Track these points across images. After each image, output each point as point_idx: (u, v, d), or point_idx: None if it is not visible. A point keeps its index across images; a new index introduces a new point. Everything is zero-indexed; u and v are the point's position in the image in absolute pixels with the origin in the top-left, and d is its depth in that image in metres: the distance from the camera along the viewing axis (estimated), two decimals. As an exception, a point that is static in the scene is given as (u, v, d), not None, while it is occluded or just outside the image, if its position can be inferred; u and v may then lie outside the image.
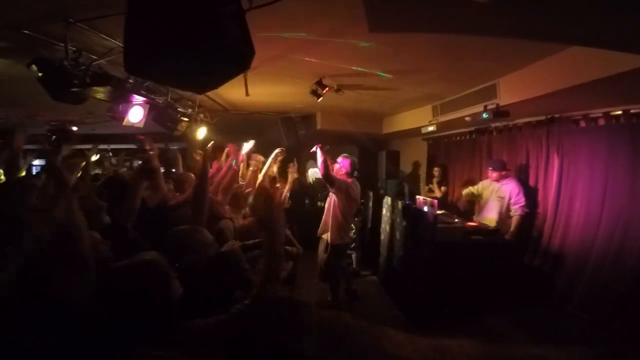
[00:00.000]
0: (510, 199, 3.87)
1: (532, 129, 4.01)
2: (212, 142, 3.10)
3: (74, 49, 2.33)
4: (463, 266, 3.36)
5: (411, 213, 3.72)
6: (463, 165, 5.15)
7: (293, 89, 4.14)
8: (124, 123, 2.80)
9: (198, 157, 3.00)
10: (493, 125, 4.36)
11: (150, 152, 2.02)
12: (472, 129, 4.83)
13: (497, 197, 3.99)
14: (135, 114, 2.88)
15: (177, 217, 2.20)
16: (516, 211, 3.82)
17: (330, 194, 3.72)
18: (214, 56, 1.24)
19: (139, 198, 1.99)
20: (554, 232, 3.79)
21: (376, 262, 4.67)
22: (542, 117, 3.81)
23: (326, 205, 3.85)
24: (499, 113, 3.22)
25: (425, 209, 3.47)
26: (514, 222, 3.84)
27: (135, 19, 1.23)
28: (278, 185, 4.43)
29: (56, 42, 2.29)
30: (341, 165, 3.71)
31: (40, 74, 2.23)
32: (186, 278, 1.25)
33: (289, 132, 5.69)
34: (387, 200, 4.46)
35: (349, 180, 3.65)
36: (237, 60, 1.32)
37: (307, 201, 7.16)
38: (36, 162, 7.01)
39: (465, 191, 4.41)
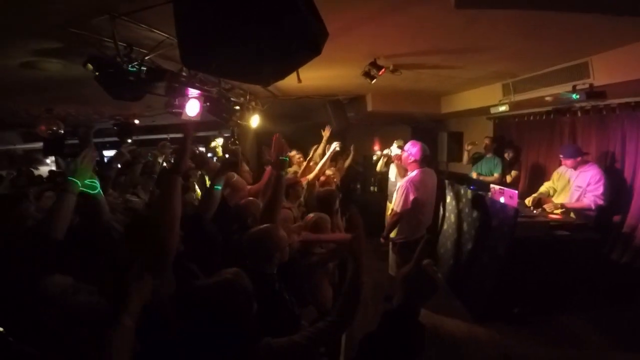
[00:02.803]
0: (588, 185, 3.34)
1: (630, 111, 3.31)
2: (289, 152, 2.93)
3: (124, 44, 2.27)
4: (542, 263, 3.02)
5: (484, 204, 3.36)
6: (539, 148, 4.55)
7: (343, 72, 3.88)
8: (182, 117, 2.84)
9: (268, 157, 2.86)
10: (578, 105, 3.69)
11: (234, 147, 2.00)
12: (550, 108, 4.17)
13: (575, 185, 3.47)
14: (192, 108, 2.90)
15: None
16: (588, 199, 3.30)
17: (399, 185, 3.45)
18: (281, 42, 1.05)
19: (218, 193, 2.00)
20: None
21: (435, 251, 4.36)
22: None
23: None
24: (593, 94, 2.68)
25: (502, 199, 3.09)
26: (579, 204, 3.36)
27: (187, 7, 1.08)
28: (331, 172, 4.41)
29: (106, 39, 2.23)
30: (409, 152, 3.34)
31: (96, 73, 2.23)
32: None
33: (337, 115, 5.48)
34: (452, 187, 4.11)
35: (418, 170, 3.29)
36: (308, 44, 1.11)
37: (358, 186, 6.95)
38: (107, 153, 7.70)
39: (542, 189, 3.87)
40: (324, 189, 3.16)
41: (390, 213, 3.41)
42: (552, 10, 1.79)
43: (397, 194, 3.38)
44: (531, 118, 4.55)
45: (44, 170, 7.43)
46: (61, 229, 1.35)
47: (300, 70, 3.46)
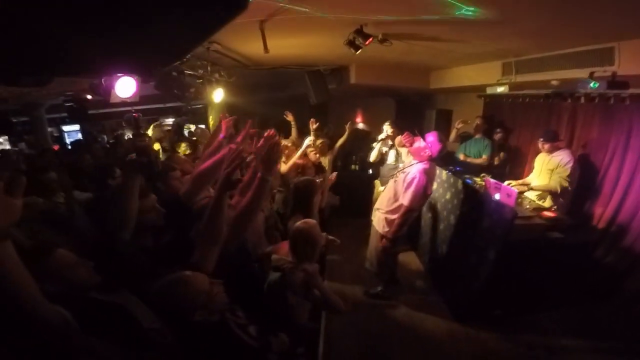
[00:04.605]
0: (556, 168, 3.40)
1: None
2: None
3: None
4: (532, 266, 2.83)
5: (477, 199, 3.06)
6: (533, 132, 4.22)
7: (324, 40, 3.30)
8: (111, 100, 2.22)
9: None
10: (583, 91, 3.32)
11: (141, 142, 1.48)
12: (548, 91, 3.79)
13: (546, 169, 3.49)
14: (124, 87, 2.27)
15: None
16: (554, 181, 3.36)
17: (397, 173, 3.13)
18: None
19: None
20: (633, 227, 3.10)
21: (414, 236, 4.16)
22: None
23: (387, 187, 3.29)
24: (616, 84, 2.29)
25: (498, 197, 2.77)
26: (544, 186, 3.43)
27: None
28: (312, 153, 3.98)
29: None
30: (429, 147, 2.98)
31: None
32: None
33: (317, 86, 4.90)
34: (441, 174, 3.77)
35: (429, 163, 3.00)
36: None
37: (353, 167, 6.30)
38: (67, 128, 6.87)
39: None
40: (302, 179, 2.68)
41: (401, 210, 3.03)
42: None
43: (405, 185, 3.01)
44: (527, 100, 4.18)
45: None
46: None
47: (271, 37, 2.93)
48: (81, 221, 2.12)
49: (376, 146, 4.21)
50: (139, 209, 1.58)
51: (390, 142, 4.26)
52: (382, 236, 3.20)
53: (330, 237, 2.50)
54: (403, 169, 3.20)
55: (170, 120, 8.49)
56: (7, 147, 7.05)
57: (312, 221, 1.92)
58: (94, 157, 4.06)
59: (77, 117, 4.39)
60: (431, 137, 3.02)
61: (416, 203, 2.98)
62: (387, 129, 3.93)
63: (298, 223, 1.87)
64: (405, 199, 2.98)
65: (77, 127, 7.57)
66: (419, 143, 3.02)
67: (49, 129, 5.47)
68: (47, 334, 1.00)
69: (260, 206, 1.66)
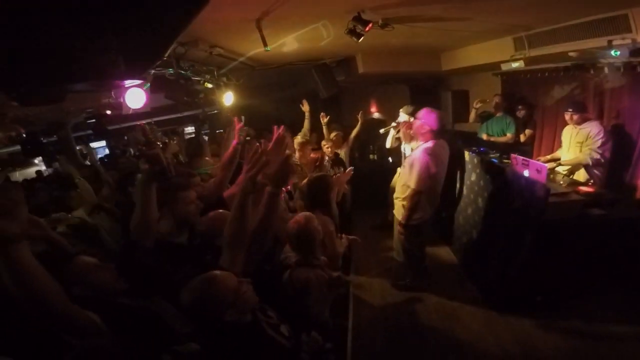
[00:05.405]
0: (586, 140, 3.27)
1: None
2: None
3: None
4: (573, 247, 2.63)
5: (504, 179, 2.89)
6: (558, 105, 3.99)
7: (324, 32, 3.27)
8: (124, 111, 2.34)
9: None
10: (605, 60, 3.08)
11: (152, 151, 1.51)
12: (568, 64, 3.55)
13: (575, 142, 3.39)
14: (134, 97, 2.39)
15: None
16: (584, 153, 3.25)
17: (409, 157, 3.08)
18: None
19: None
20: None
21: (447, 228, 4.02)
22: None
23: (401, 174, 3.27)
24: (638, 51, 2.12)
25: (527, 173, 2.62)
26: (575, 159, 3.35)
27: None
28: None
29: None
30: (424, 121, 2.95)
31: None
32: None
33: (325, 80, 4.89)
34: (466, 156, 3.61)
35: (433, 142, 2.93)
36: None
37: (356, 155, 6.16)
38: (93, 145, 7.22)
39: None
40: (316, 175, 2.66)
41: (408, 192, 3.01)
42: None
43: (410, 168, 2.97)
44: (546, 74, 3.93)
45: (31, 171, 7.34)
46: None
47: (270, 35, 2.95)
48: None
49: (390, 132, 4.06)
50: (182, 201, 1.63)
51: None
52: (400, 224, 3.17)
53: (351, 237, 2.49)
54: (411, 154, 3.17)
55: (190, 129, 8.72)
56: (43, 167, 7.42)
57: (306, 216, 1.89)
58: (120, 171, 4.27)
59: (100, 133, 4.65)
60: (424, 111, 2.99)
61: (423, 184, 2.90)
62: (404, 116, 3.72)
63: (291, 222, 1.85)
64: (412, 182, 2.93)
65: (103, 143, 7.97)
66: (416, 122, 3.00)
67: (78, 147, 5.76)
68: (76, 336, 1.08)
69: (275, 219, 1.58)
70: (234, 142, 2.24)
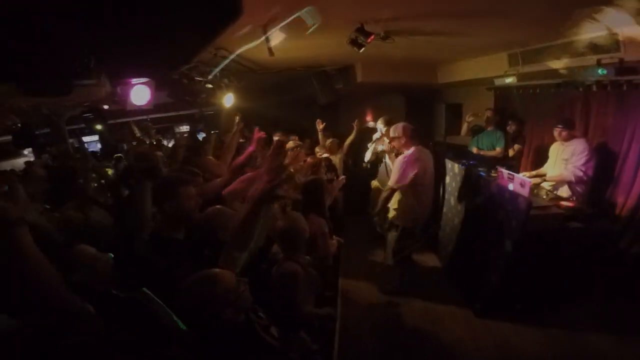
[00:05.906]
0: (571, 157, 3.31)
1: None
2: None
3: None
4: (552, 258, 2.75)
5: (490, 191, 3.02)
6: (546, 122, 4.13)
7: (327, 40, 3.35)
8: (128, 107, 2.36)
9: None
10: (594, 79, 3.24)
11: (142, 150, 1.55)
12: (559, 81, 3.70)
13: (561, 159, 3.43)
14: (139, 95, 2.41)
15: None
16: (568, 170, 3.30)
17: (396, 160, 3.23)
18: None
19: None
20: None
21: (434, 236, 4.13)
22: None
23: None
24: (625, 70, 2.25)
25: (511, 187, 2.73)
26: (559, 176, 3.39)
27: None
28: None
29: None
30: (395, 135, 3.16)
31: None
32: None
33: (324, 87, 5.00)
34: (453, 167, 3.73)
35: (414, 148, 3.10)
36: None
37: (364, 164, 6.17)
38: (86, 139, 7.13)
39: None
40: (311, 179, 2.76)
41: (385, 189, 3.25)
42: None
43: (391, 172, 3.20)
44: (537, 91, 4.09)
45: (19, 162, 7.15)
46: None
47: (274, 41, 3.01)
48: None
49: (370, 146, 4.27)
50: (182, 196, 1.62)
51: (386, 140, 4.28)
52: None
53: (336, 238, 2.57)
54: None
55: (184, 128, 8.70)
56: (32, 158, 7.38)
57: (293, 215, 1.96)
58: (113, 166, 4.27)
59: (97, 117, 4.64)
60: (391, 130, 3.26)
61: (400, 183, 3.11)
62: (380, 127, 3.97)
63: (279, 222, 1.90)
64: (390, 181, 3.17)
65: (95, 137, 7.87)
66: (393, 141, 3.25)
67: (70, 140, 5.68)
68: (69, 325, 1.08)
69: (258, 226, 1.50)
70: (250, 148, 2.26)
